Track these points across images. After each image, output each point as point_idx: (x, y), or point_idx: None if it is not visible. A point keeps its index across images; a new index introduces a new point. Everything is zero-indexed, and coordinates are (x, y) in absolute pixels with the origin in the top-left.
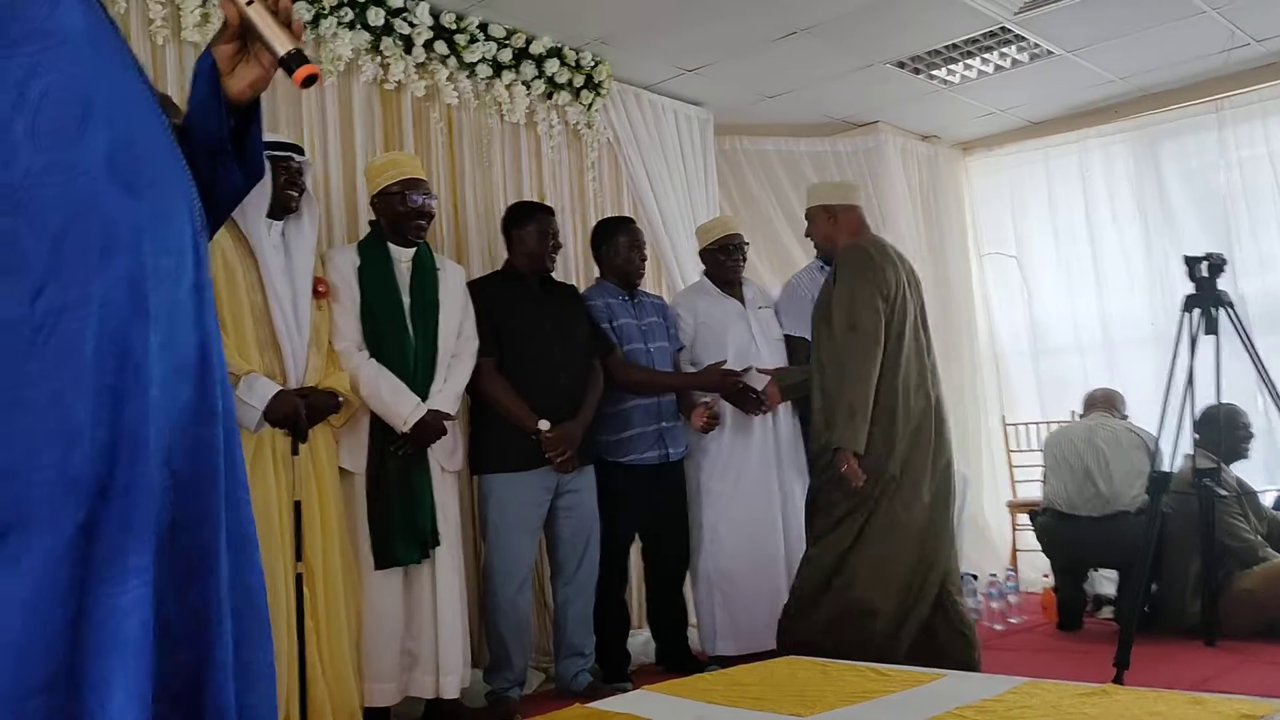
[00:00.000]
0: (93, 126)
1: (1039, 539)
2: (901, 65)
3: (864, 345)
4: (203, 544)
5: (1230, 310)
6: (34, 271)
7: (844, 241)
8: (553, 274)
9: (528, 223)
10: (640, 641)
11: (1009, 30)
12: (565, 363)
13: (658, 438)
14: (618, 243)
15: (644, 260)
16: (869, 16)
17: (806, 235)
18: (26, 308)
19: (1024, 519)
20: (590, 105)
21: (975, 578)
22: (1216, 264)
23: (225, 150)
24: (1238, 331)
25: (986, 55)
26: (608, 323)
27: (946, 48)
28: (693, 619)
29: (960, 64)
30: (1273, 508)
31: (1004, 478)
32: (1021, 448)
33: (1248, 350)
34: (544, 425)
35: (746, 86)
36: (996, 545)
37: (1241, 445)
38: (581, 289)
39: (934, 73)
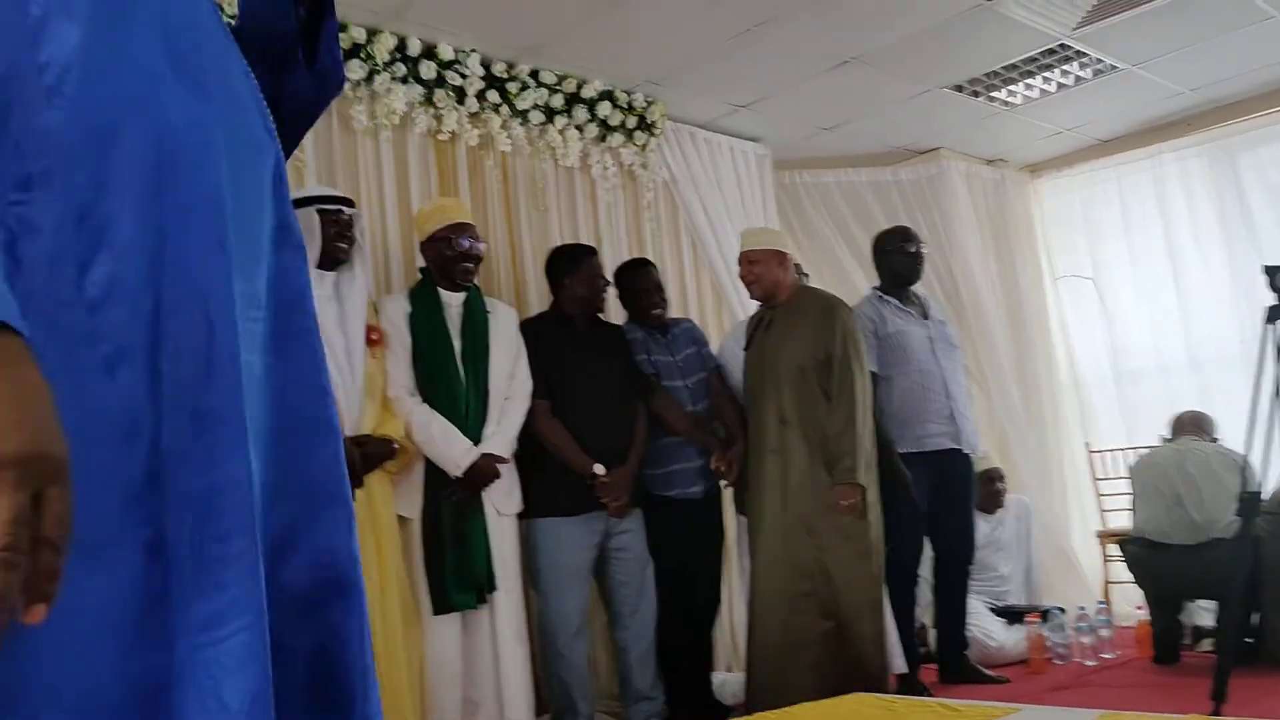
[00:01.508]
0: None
1: (1130, 569)
2: (959, 89)
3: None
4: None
5: None
6: (79, 186)
7: (788, 286)
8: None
9: (577, 269)
10: (717, 682)
11: (1069, 47)
12: (613, 404)
13: (701, 472)
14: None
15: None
16: (921, 41)
17: (747, 279)
18: (70, 235)
19: (1115, 549)
20: (644, 146)
21: (1063, 611)
22: None
23: (293, 50)
24: None
25: (1048, 74)
26: (644, 355)
27: (1005, 68)
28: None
29: (1021, 84)
30: None
31: (1091, 507)
32: (1108, 475)
33: None
34: (599, 469)
35: (802, 119)
36: (1086, 577)
37: None
38: None
39: (994, 94)
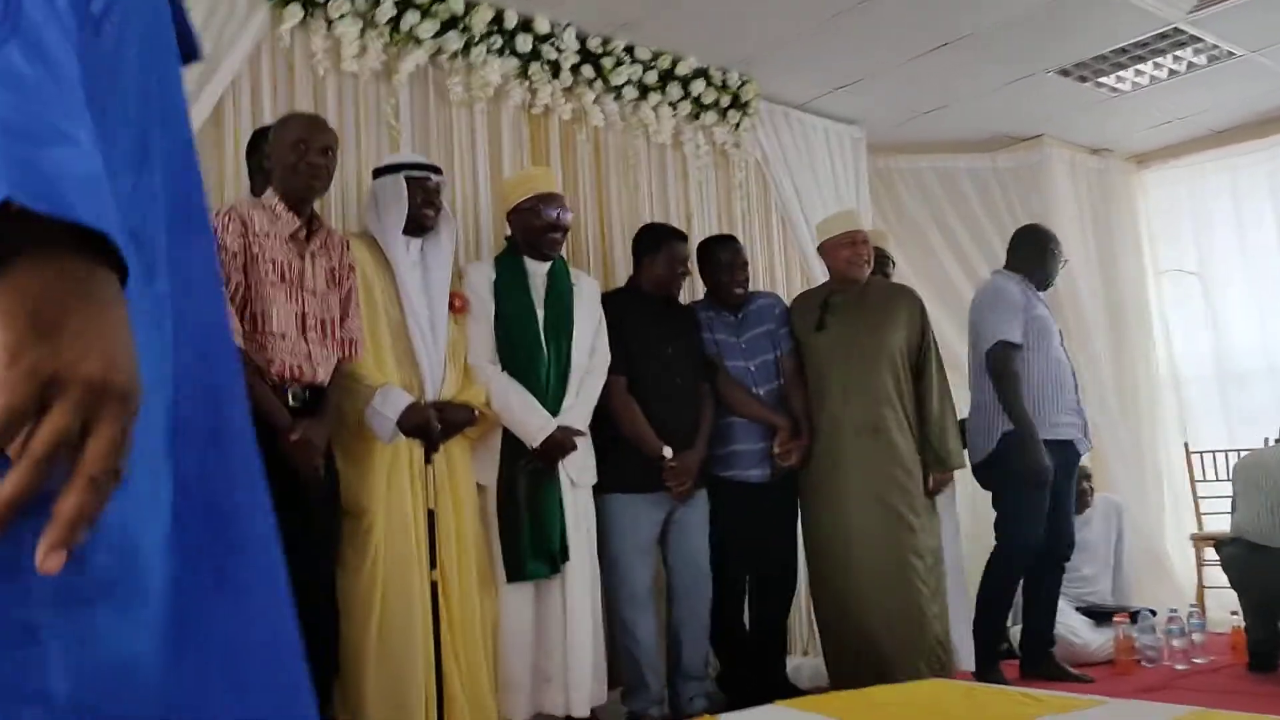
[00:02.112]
0: None
1: (1226, 571)
2: (1065, 73)
3: None
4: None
5: None
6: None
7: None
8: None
9: (658, 250)
10: (792, 666)
11: (1183, 31)
12: (684, 385)
13: (763, 455)
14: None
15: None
16: (1026, 23)
17: (861, 258)
18: (129, 185)
19: (1210, 554)
20: (737, 125)
21: (1154, 613)
22: None
23: None
24: None
25: (1159, 59)
26: (708, 334)
27: (1114, 52)
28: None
29: (1130, 70)
30: None
31: (1187, 509)
32: (1207, 478)
33: None
34: (668, 453)
35: (899, 103)
36: (1179, 580)
37: None
38: None
39: (1101, 80)
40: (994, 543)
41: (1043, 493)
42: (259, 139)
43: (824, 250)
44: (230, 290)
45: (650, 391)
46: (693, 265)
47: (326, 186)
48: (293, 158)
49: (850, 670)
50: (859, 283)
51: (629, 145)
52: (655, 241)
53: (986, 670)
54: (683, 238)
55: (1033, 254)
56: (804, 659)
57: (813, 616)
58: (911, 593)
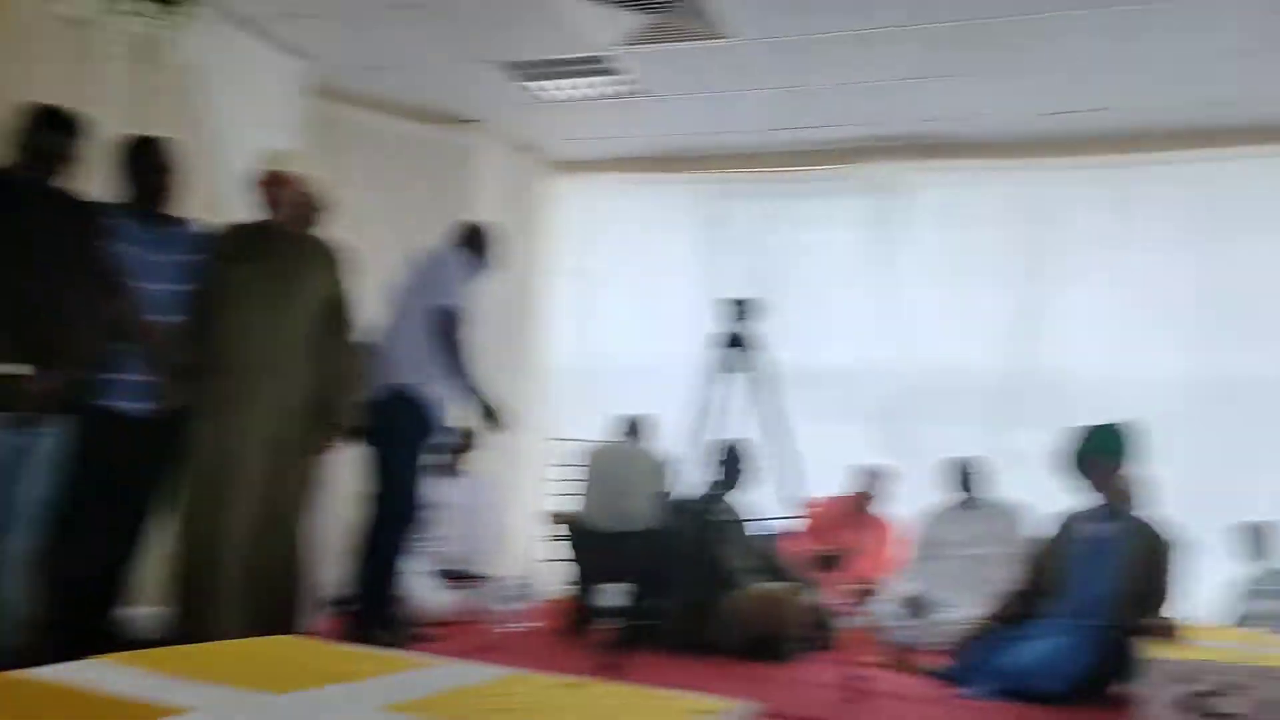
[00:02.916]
0: None
1: (563, 549)
2: (506, 69)
3: None
4: None
5: (756, 353)
6: None
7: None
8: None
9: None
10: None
11: (608, 61)
12: (69, 292)
13: (146, 387)
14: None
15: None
16: (481, 10)
17: (274, 199)
18: None
19: (555, 531)
20: (168, 20)
21: (497, 580)
22: (751, 309)
23: None
24: (760, 374)
25: (590, 80)
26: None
27: (549, 62)
28: None
29: (562, 81)
30: (766, 537)
31: (542, 488)
32: (563, 462)
33: (767, 394)
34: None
35: (351, 51)
36: (526, 552)
37: (745, 477)
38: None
39: (538, 84)
40: (377, 498)
41: (417, 452)
42: None
43: (257, 185)
44: None
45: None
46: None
47: None
48: None
49: (212, 621)
50: (283, 225)
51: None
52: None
53: (368, 625)
54: (58, 123)
55: (477, 249)
56: (150, 609)
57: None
58: (289, 543)
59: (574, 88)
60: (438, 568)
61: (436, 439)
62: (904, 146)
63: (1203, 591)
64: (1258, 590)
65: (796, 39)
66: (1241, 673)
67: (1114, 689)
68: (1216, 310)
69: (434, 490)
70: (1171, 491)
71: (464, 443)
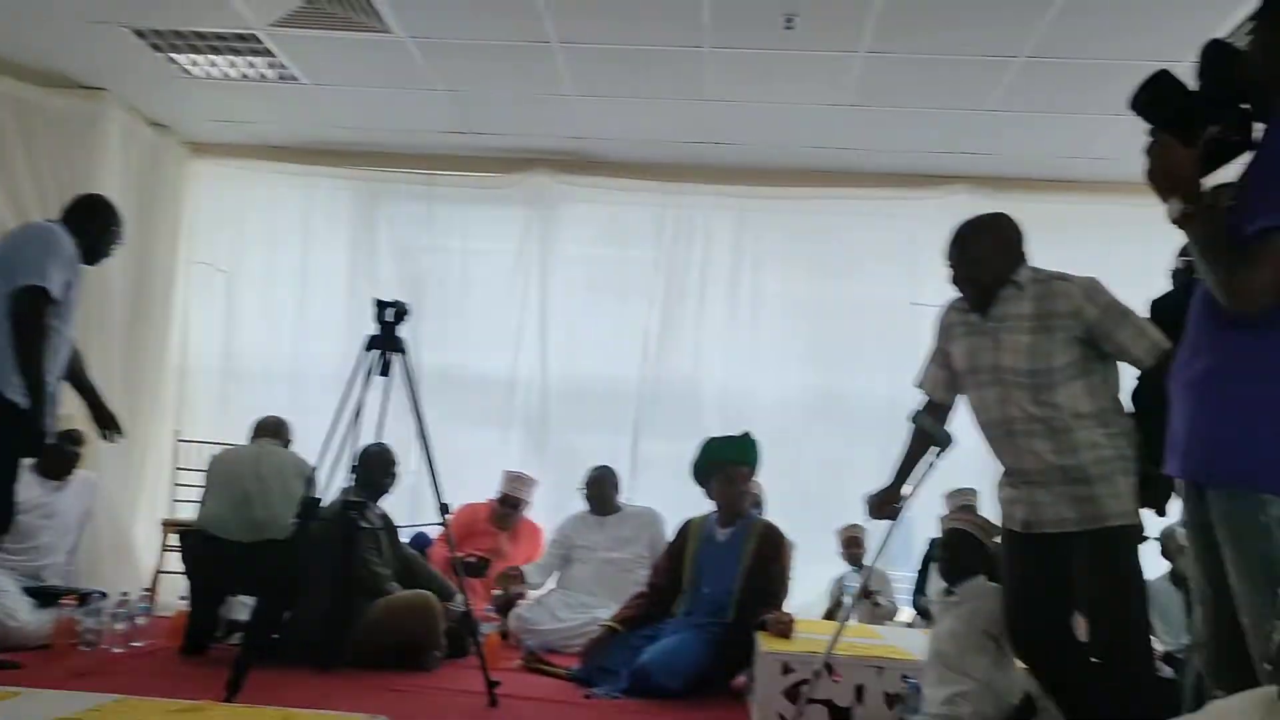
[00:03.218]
0: None
1: (184, 560)
2: (141, 35)
3: None
4: None
5: (405, 357)
6: None
7: None
8: None
9: None
10: None
11: (261, 41)
12: None
13: None
14: None
15: None
16: None
17: None
18: None
19: (175, 539)
20: None
21: (105, 596)
22: (401, 311)
23: None
24: (407, 379)
25: (234, 58)
26: None
27: (194, 34)
28: None
29: (206, 57)
30: (409, 544)
31: (165, 495)
32: (190, 466)
33: (412, 398)
34: None
35: None
36: (140, 564)
37: (389, 482)
38: None
39: (176, 56)
40: None
41: (8, 456)
42: None
43: None
44: None
45: None
46: None
47: None
48: None
49: None
50: None
51: None
52: None
53: None
54: None
55: (91, 224)
56: None
57: None
58: None
59: (217, 65)
60: (34, 586)
61: (34, 441)
62: (559, 160)
63: (810, 589)
64: (850, 587)
65: (456, 42)
66: (837, 661)
67: (733, 681)
68: (828, 334)
69: (32, 497)
70: (785, 497)
71: (70, 446)
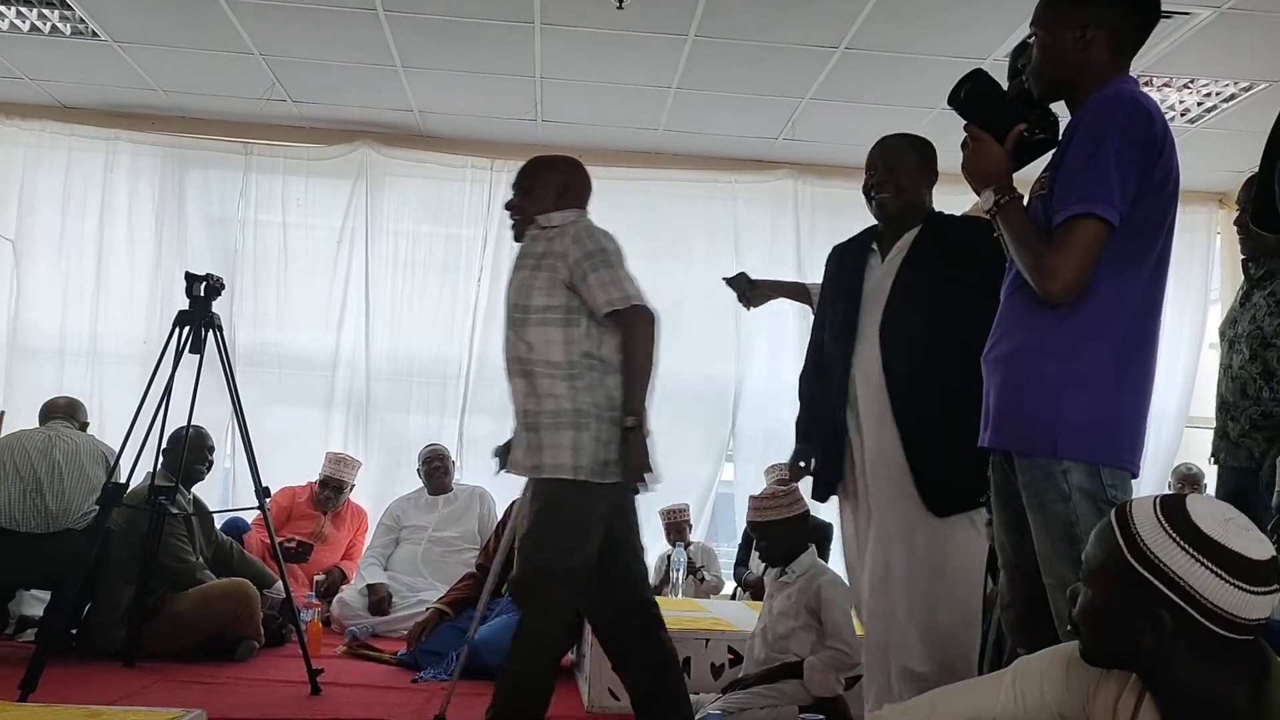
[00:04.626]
0: None
1: None
2: None
3: None
4: None
5: (219, 333)
6: None
7: None
8: None
9: None
10: None
11: None
12: None
13: None
14: None
15: None
16: None
17: None
18: None
19: None
20: None
21: None
22: (215, 286)
23: None
24: (222, 356)
25: (25, 9)
26: None
27: None
28: None
29: (8, 8)
30: (224, 530)
31: None
32: None
33: (228, 377)
34: None
35: None
36: None
37: (201, 467)
38: None
39: None
40: None
41: None
42: None
43: None
44: None
45: None
46: None
47: None
48: None
49: None
50: None
51: None
52: None
53: None
54: None
55: None
56: None
57: None
58: None
59: (6, 16)
60: None
61: None
62: (385, 133)
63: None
64: (678, 564)
65: (274, 4)
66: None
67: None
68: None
69: None
70: None
71: None
